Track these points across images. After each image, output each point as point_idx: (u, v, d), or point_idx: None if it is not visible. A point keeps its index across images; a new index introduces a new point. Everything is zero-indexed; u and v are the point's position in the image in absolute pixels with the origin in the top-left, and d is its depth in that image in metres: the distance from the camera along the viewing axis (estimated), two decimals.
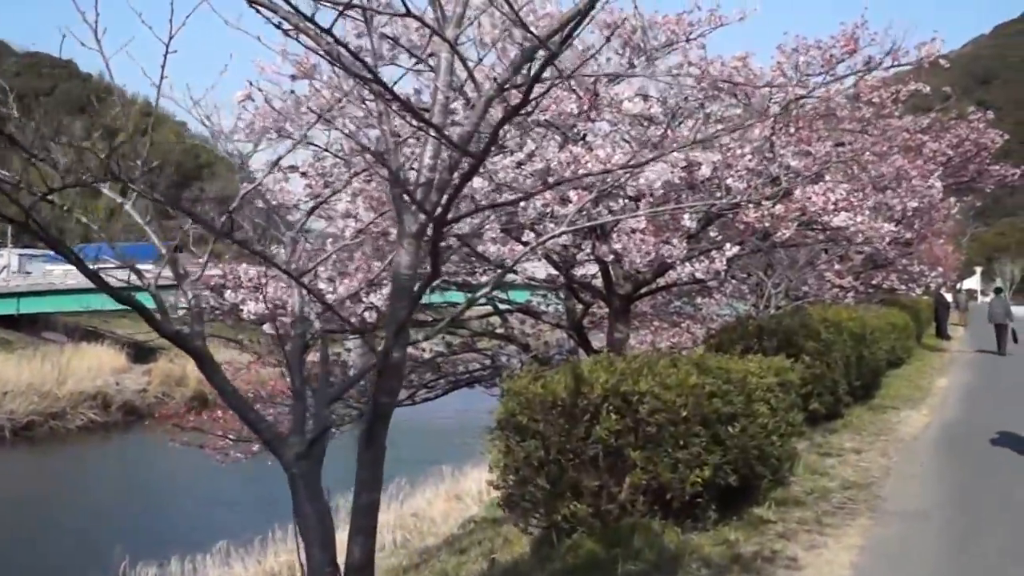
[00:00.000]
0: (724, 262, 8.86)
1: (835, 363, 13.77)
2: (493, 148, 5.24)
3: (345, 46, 3.54)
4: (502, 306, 12.97)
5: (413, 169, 5.15)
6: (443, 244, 6.06)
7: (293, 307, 5.75)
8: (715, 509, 7.83)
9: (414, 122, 4.32)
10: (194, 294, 5.16)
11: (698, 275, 9.05)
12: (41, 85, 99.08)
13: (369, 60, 4.83)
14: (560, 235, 5.53)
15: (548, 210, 8.25)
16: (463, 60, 4.33)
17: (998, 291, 35.73)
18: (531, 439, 7.55)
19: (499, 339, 13.08)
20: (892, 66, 11.14)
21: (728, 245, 9.01)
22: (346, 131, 6.57)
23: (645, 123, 9.74)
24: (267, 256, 5.59)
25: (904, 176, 12.13)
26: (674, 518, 7.55)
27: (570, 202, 8.25)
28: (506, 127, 9.26)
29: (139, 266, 5.23)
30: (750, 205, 8.80)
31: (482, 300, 12.82)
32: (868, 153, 12.75)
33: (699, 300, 20.20)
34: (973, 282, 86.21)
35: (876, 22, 11.15)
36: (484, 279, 10.74)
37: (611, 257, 8.98)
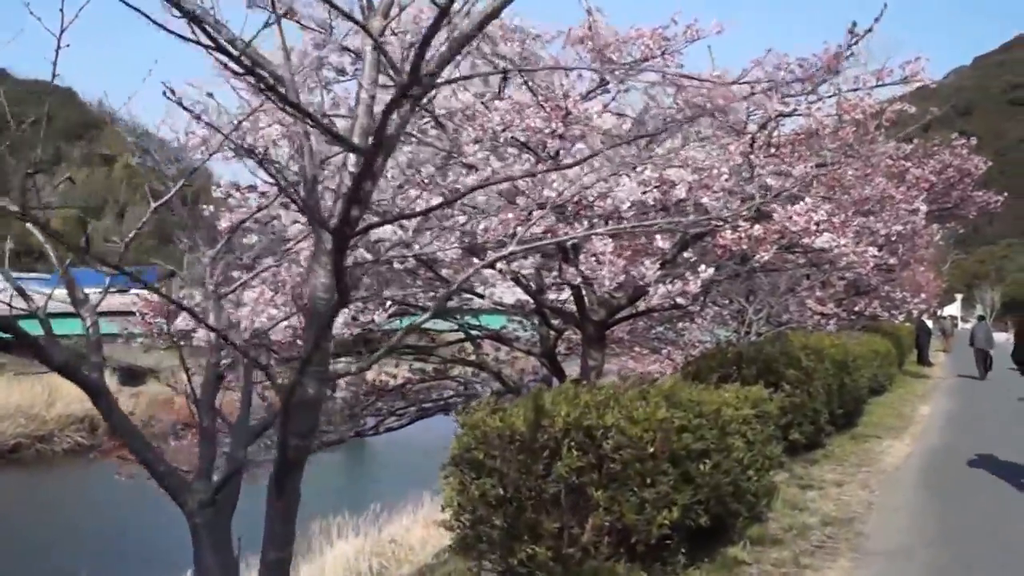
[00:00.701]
0: (699, 285, 8.20)
1: (816, 391, 13.10)
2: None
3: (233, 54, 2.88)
4: (474, 332, 12.29)
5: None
6: (370, 263, 5.41)
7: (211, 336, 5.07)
8: (685, 551, 7.13)
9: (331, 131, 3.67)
10: (92, 321, 4.49)
11: (673, 299, 8.36)
12: (41, 112, 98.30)
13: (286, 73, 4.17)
14: (508, 256, 4.85)
15: (510, 231, 7.59)
16: (385, 53, 3.67)
17: (981, 318, 36.87)
18: (487, 476, 6.84)
19: (470, 366, 12.38)
20: (877, 85, 10.57)
21: (703, 267, 8.35)
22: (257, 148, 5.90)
23: (619, 142, 9.10)
24: (149, 285, 4.90)
25: (888, 199, 11.49)
26: (640, 562, 6.83)
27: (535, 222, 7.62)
28: (474, 145, 8.64)
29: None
30: (726, 226, 8.17)
31: (454, 326, 12.15)
32: (851, 175, 12.15)
33: (680, 326, 19.60)
34: (954, 309, 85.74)
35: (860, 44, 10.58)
36: (449, 304, 10.07)
37: (579, 280, 8.31)
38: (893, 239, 13.05)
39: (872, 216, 11.57)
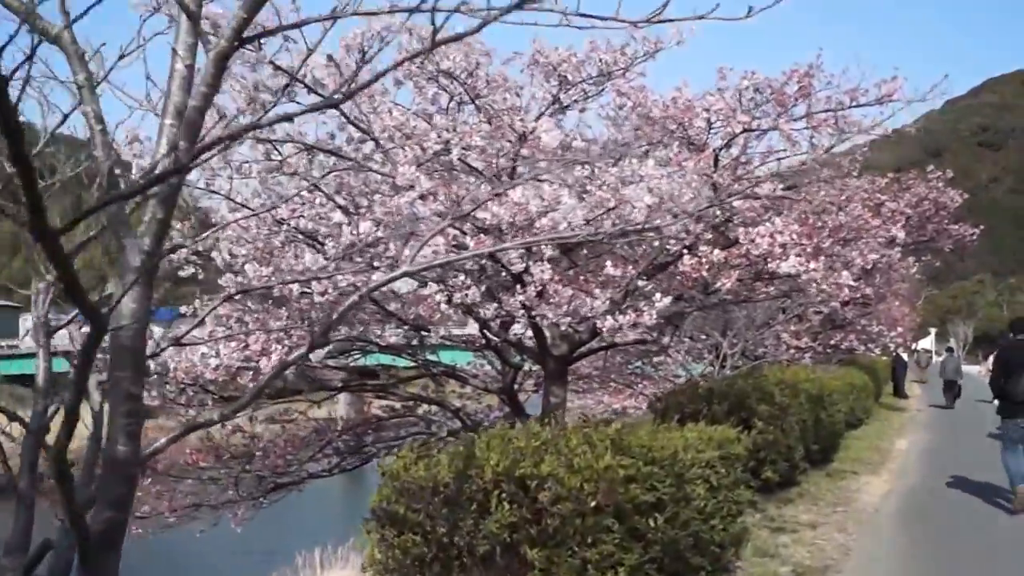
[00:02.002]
0: (653, 316, 7.12)
1: (790, 427, 12.00)
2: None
3: None
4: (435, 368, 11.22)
5: None
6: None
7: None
8: None
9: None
10: None
11: (628, 332, 7.26)
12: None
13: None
14: (393, 280, 3.78)
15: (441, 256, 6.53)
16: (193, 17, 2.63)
17: (950, 351, 37.27)
18: (411, 532, 5.74)
19: (427, 403, 11.27)
20: (852, 105, 9.59)
21: (658, 296, 7.28)
22: None
23: (569, 160, 8.09)
24: None
25: (864, 227, 10.45)
26: None
27: (465, 248, 6.58)
28: (415, 168, 7.59)
29: None
30: (685, 252, 7.13)
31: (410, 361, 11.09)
32: (825, 200, 11.15)
33: (656, 360, 18.54)
34: (927, 343, 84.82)
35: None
36: (392, 338, 8.98)
37: (521, 312, 7.22)
38: (869, 268, 11.96)
39: (848, 245, 10.52)
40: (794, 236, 6.92)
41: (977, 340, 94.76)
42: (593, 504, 5.51)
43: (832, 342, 20.05)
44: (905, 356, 37.42)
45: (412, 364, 10.73)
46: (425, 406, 11.93)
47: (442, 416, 11.20)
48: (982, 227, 23.33)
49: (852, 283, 9.93)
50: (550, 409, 10.40)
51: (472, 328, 10.72)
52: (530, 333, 10.31)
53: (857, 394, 20.20)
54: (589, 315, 7.08)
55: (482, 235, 6.62)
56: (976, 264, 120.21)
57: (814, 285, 7.20)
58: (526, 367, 11.57)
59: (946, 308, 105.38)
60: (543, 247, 6.78)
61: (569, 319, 7.27)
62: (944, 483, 13.64)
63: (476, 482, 5.62)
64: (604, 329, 6.99)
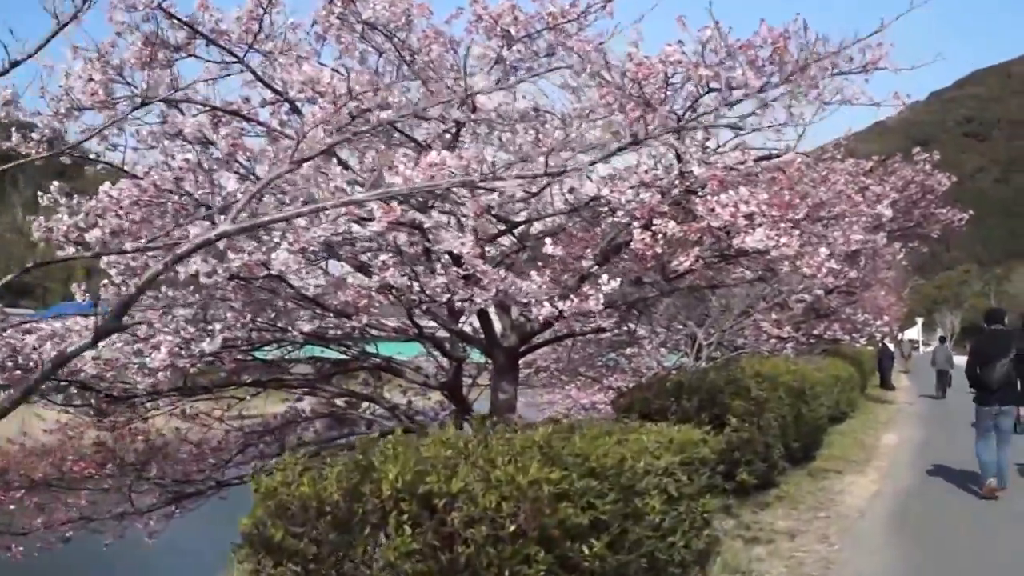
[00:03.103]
0: (600, 301, 6.05)
1: (768, 424, 10.98)
2: None
3: None
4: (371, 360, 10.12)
5: None
6: None
7: None
8: None
9: None
10: None
11: (573, 320, 6.17)
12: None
13: None
14: (207, 242, 2.73)
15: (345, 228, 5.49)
16: None
17: (942, 340, 37.78)
18: (290, 562, 4.68)
19: (358, 399, 10.18)
20: (834, 73, 8.54)
21: (605, 279, 6.22)
22: None
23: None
24: None
25: (848, 202, 9.40)
26: None
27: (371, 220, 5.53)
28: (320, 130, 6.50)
29: None
30: (635, 227, 6.09)
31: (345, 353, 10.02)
32: (802, 170, 10.08)
33: (629, 352, 17.51)
34: (914, 333, 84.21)
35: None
36: (306, 327, 7.90)
37: (445, 297, 6.14)
38: (853, 253, 10.93)
39: (830, 226, 9.48)
40: (762, 207, 5.87)
41: (964, 330, 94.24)
42: (513, 528, 4.46)
43: (815, 332, 19.06)
44: (892, 346, 36.56)
45: (343, 357, 9.64)
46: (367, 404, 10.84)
47: (383, 415, 10.10)
48: (971, 212, 22.39)
49: (835, 265, 8.94)
50: (499, 406, 9.39)
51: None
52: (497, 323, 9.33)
53: (842, 386, 19.21)
54: (524, 300, 6.01)
55: (395, 203, 5.56)
56: (963, 254, 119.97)
57: (787, 264, 6.15)
58: (480, 360, 10.54)
59: (933, 298, 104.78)
60: (464, 218, 5.73)
61: (511, 304, 6.21)
62: (935, 482, 12.70)
63: (372, 500, 4.57)
64: (541, 317, 5.93)
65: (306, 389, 9.66)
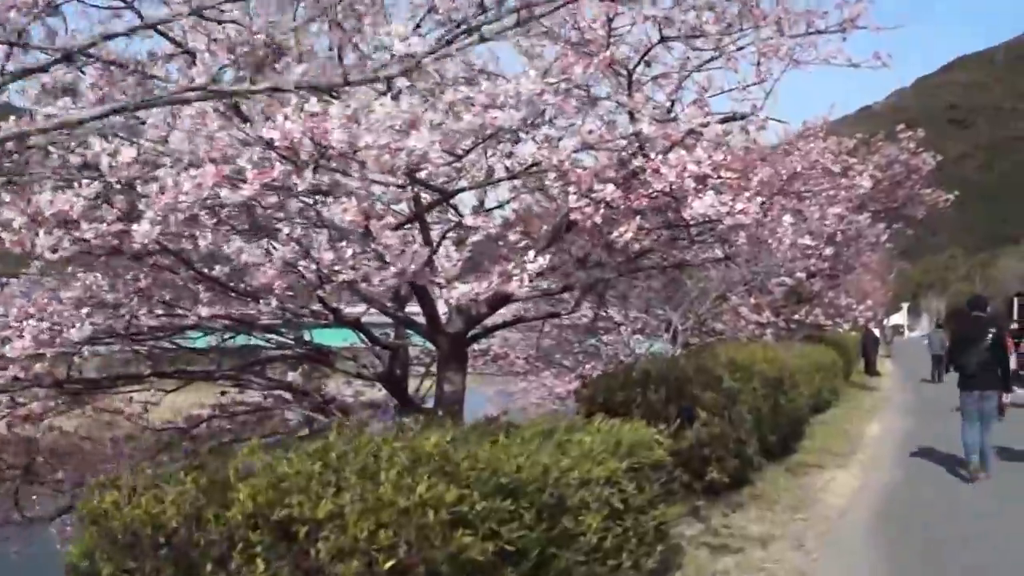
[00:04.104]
0: (525, 281, 5.07)
1: (741, 418, 10.04)
2: None
3: None
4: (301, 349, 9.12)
5: None
6: None
7: None
8: None
9: None
10: None
11: (482, 297, 5.17)
12: None
13: None
14: None
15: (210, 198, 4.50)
16: None
17: (938, 325, 37.68)
18: None
19: (276, 390, 9.16)
20: (809, 32, 7.58)
21: (531, 255, 5.24)
22: None
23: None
24: None
25: (825, 174, 8.44)
26: None
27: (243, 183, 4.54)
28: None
29: None
30: (570, 192, 5.11)
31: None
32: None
33: (606, 339, 16.60)
34: (899, 318, 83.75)
35: None
36: (204, 311, 6.89)
37: (343, 277, 5.13)
38: (834, 234, 9.98)
39: (806, 199, 8.53)
40: (717, 169, 4.87)
41: (950, 315, 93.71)
42: (392, 563, 3.49)
43: (797, 317, 18.14)
44: (877, 332, 35.71)
45: (264, 344, 8.66)
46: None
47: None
48: (956, 193, 21.54)
49: (808, 242, 8.00)
50: (444, 399, 8.45)
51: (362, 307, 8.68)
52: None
53: (824, 374, 18.28)
54: (434, 279, 5.04)
55: (276, 161, 4.57)
56: (948, 239, 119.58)
57: (744, 235, 5.18)
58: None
59: (917, 283, 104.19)
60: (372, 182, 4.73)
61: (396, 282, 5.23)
62: (921, 475, 11.82)
63: (222, 526, 3.60)
64: (452, 299, 4.95)
65: (223, 381, 8.65)
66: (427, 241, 7.07)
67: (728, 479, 9.59)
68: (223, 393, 9.32)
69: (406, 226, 7.06)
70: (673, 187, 4.79)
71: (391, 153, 4.62)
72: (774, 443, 11.82)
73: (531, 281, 5.13)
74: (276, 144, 4.34)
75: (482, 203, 8.44)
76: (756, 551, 7.78)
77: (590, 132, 5.71)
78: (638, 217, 4.99)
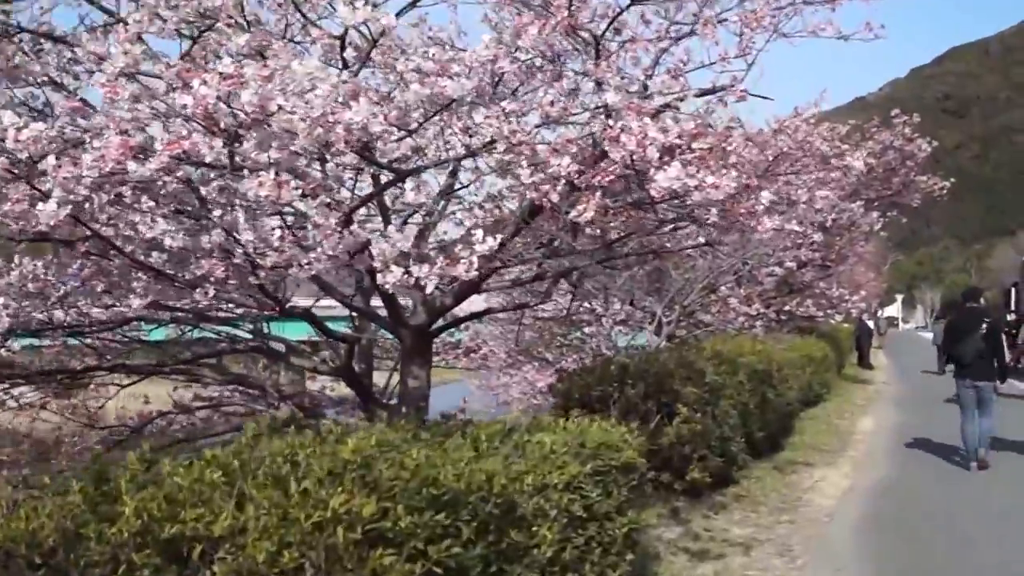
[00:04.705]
0: (473, 266, 4.59)
1: (725, 413, 9.61)
2: None
3: None
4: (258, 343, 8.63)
5: None
6: None
7: None
8: None
9: None
10: None
11: (424, 282, 4.67)
12: None
13: None
14: None
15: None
16: None
17: (939, 318, 39.44)
18: None
19: (226, 383, 8.71)
20: (794, 2, 7.11)
21: (479, 235, 4.76)
22: None
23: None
24: None
25: (814, 156, 7.96)
26: None
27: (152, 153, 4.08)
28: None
29: None
30: (521, 165, 4.64)
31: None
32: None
33: (587, 331, 16.16)
34: (894, 310, 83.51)
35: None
36: (136, 302, 6.40)
37: (271, 260, 4.65)
38: (817, 209, 9.52)
39: (791, 180, 8.05)
40: (683, 138, 4.38)
41: (945, 307, 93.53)
42: None
43: (787, 308, 17.69)
44: (871, 323, 35.31)
45: (215, 337, 8.19)
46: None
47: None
48: (953, 180, 21.10)
49: (796, 227, 7.54)
50: (408, 395, 8.01)
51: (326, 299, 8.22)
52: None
53: (815, 367, 17.84)
54: (375, 266, 4.55)
55: (194, 133, 4.10)
56: (942, 230, 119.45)
57: (714, 213, 4.68)
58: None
59: (912, 274, 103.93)
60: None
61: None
62: (914, 472, 11.39)
63: (102, 547, 3.14)
64: (387, 284, 4.47)
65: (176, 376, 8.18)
66: (387, 223, 6.63)
67: (711, 479, 9.14)
68: (175, 388, 8.85)
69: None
70: (635, 158, 4.31)
71: (325, 126, 4.15)
72: (761, 439, 11.40)
73: (481, 266, 4.64)
74: (188, 111, 3.86)
75: (451, 186, 7.98)
76: (738, 557, 7.35)
77: (552, 104, 5.25)
78: (598, 194, 4.51)
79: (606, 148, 4.41)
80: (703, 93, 6.29)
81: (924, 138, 19.24)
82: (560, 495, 4.62)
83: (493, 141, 5.30)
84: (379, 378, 11.06)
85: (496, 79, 4.86)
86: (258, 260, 4.58)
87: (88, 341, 8.38)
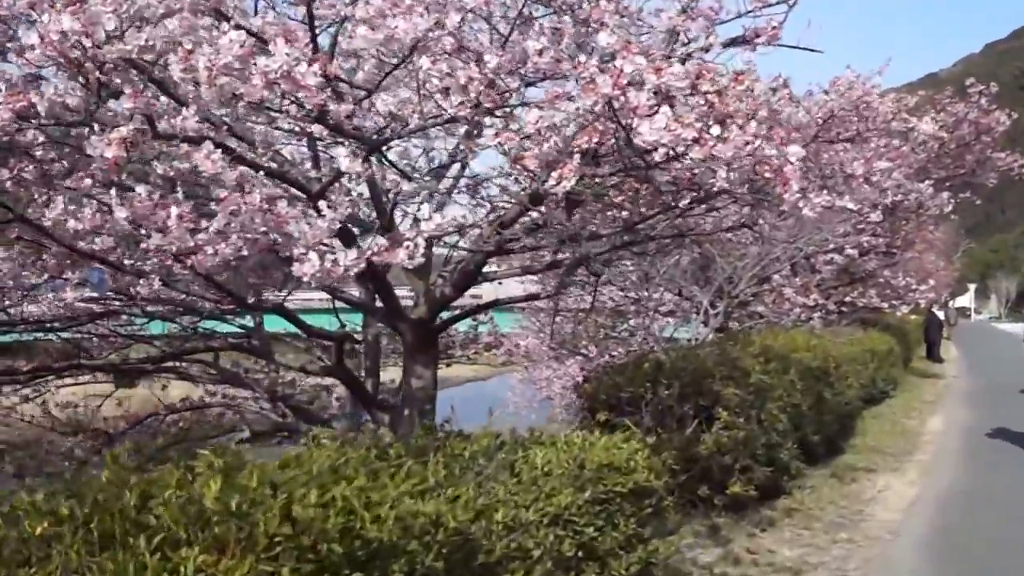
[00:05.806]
0: (420, 249, 3.75)
1: (773, 417, 8.71)
2: None
3: None
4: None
5: None
6: None
7: None
8: None
9: None
10: None
11: (349, 271, 3.86)
12: None
13: None
14: None
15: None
16: None
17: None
18: None
19: (215, 383, 8.04)
20: None
21: (424, 211, 3.96)
22: None
23: None
24: None
25: (871, 119, 6.98)
26: None
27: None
28: None
29: None
30: (485, 123, 3.82)
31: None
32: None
33: (633, 323, 15.34)
34: (966, 300, 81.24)
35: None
36: (70, 295, 5.71)
37: (174, 246, 3.87)
38: (874, 180, 8.50)
39: (845, 149, 7.09)
40: (676, 80, 3.47)
41: (1022, 296, 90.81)
42: None
43: (848, 299, 16.61)
44: (941, 314, 33.82)
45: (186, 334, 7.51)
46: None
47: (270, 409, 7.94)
48: None
49: (849, 206, 6.61)
50: (413, 396, 7.28)
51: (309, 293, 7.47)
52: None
53: (879, 362, 16.74)
54: (300, 250, 3.75)
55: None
56: (1018, 215, 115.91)
57: (725, 172, 3.76)
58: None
59: (986, 262, 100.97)
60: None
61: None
62: (997, 481, 10.28)
63: None
64: (305, 275, 3.66)
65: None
66: (382, 214, 5.87)
67: (756, 491, 8.24)
68: (163, 387, 8.23)
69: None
70: (615, 105, 3.44)
71: (234, 75, 3.35)
72: (817, 443, 10.46)
73: (426, 248, 3.83)
74: (36, 50, 3.10)
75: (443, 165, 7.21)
76: None
77: (540, 53, 4.39)
78: (576, 158, 3.66)
79: (577, 95, 3.55)
80: (732, 43, 5.40)
81: (1003, 110, 17.97)
82: (545, 532, 3.80)
83: (479, 104, 4.46)
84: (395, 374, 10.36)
85: (459, 17, 4.03)
86: (145, 242, 3.80)
87: (66, 336, 7.80)
